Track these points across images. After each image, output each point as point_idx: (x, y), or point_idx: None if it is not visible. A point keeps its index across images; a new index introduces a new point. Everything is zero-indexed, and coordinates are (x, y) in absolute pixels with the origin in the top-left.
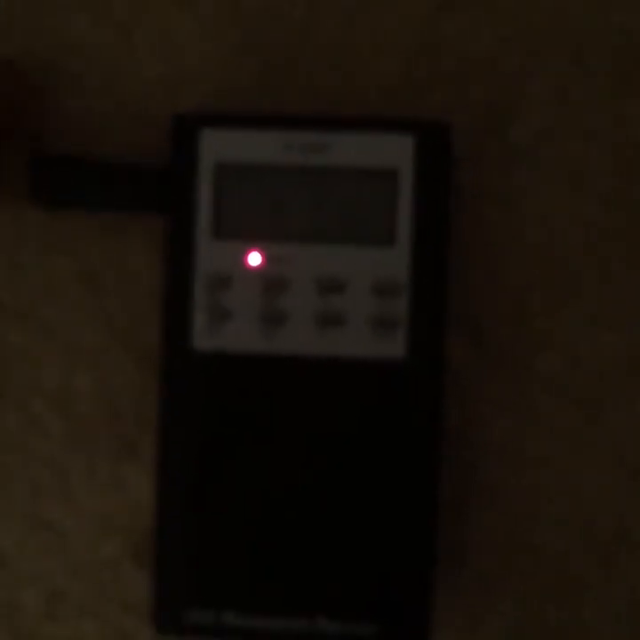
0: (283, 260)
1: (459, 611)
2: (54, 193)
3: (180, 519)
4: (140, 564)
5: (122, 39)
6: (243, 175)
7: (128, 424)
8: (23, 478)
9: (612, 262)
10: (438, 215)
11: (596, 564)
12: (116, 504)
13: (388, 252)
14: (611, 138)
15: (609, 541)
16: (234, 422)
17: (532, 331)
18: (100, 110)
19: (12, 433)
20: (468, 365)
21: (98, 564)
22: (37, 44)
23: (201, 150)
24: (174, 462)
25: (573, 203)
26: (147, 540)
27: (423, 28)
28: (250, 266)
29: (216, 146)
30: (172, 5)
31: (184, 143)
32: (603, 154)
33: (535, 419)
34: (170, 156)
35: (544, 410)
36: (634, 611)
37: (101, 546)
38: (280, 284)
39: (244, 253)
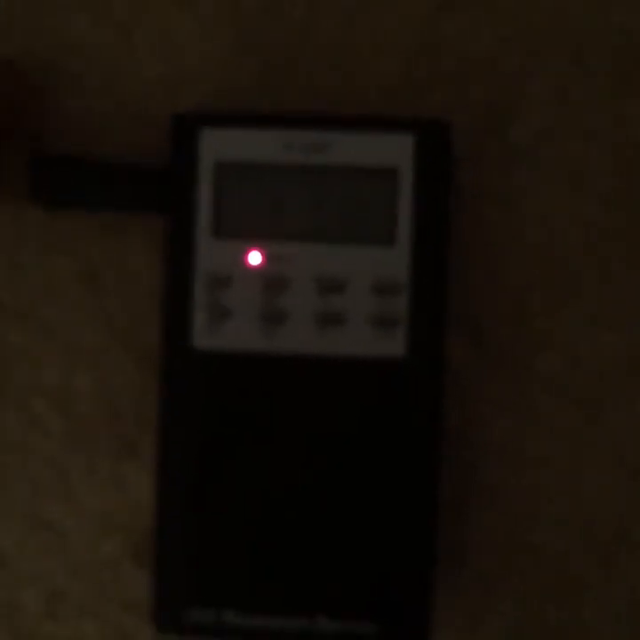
0: (283, 259)
1: (459, 611)
2: (54, 193)
3: (180, 518)
4: (140, 564)
5: (122, 39)
6: (243, 174)
7: (128, 424)
8: (23, 478)
9: (612, 262)
10: (438, 214)
11: (595, 563)
12: (116, 503)
13: (388, 252)
14: (611, 138)
15: (609, 541)
16: (234, 421)
17: (532, 331)
18: (99, 110)
19: (12, 433)
20: (467, 365)
21: (98, 564)
22: (37, 44)
23: (201, 150)
24: (174, 461)
25: (573, 203)
26: (147, 539)
27: (423, 28)
28: (250, 265)
29: (216, 145)
30: (172, 5)
31: (184, 143)
32: (603, 154)
33: (535, 419)
34: (170, 155)
35: (544, 410)
36: (634, 611)
37: (101, 545)
38: (280, 284)
39: (244, 252)
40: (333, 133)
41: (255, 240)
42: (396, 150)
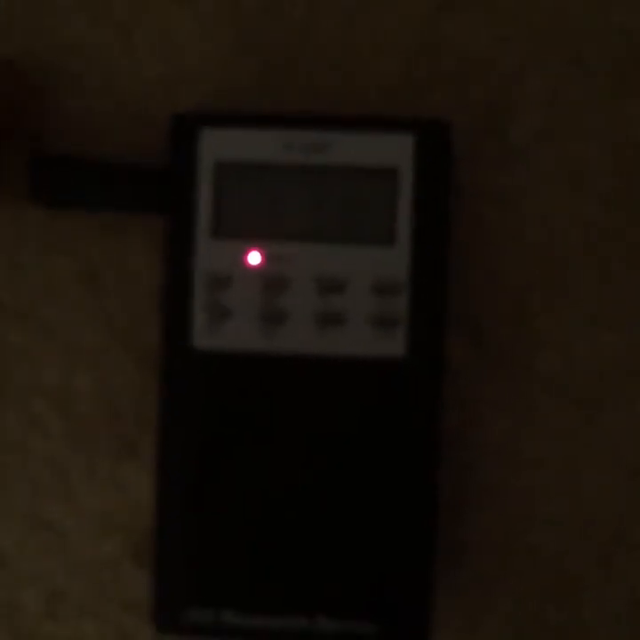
0: (282, 259)
1: (458, 611)
2: (54, 193)
3: (180, 518)
4: (139, 564)
5: (122, 39)
6: (242, 174)
7: (128, 424)
8: (23, 478)
9: (612, 262)
10: (438, 214)
11: (594, 564)
12: (116, 503)
13: (387, 251)
14: (610, 138)
15: (607, 542)
16: (234, 421)
17: (532, 330)
18: (99, 110)
19: (12, 433)
20: (467, 365)
21: (98, 564)
22: (37, 44)
23: (200, 150)
24: (174, 461)
25: (572, 202)
26: (147, 539)
27: (423, 29)
28: (250, 265)
29: (216, 145)
30: (172, 5)
31: (183, 143)
32: (602, 154)
33: (534, 419)
34: (169, 155)
35: (543, 410)
36: (632, 611)
37: (101, 545)
38: (280, 284)
39: (244, 252)
40: (333, 133)
41: (255, 240)
42: (396, 150)
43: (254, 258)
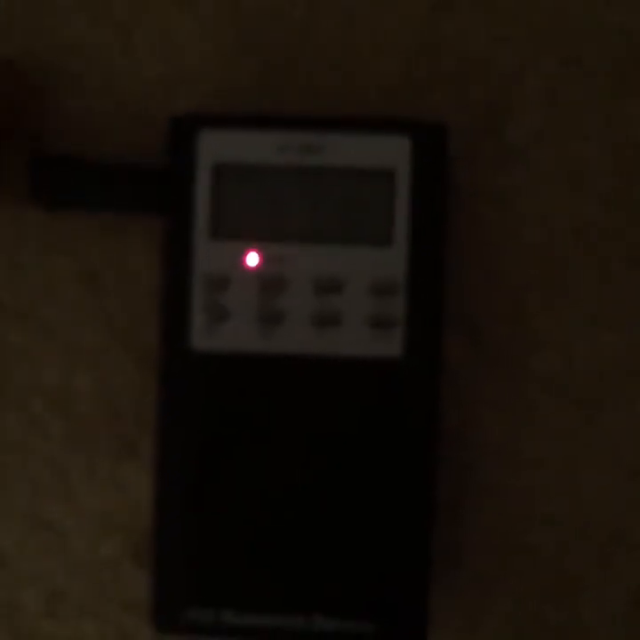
0: (280, 260)
1: (456, 611)
2: (54, 193)
3: (179, 519)
4: (139, 564)
5: (122, 39)
6: (240, 176)
7: (128, 424)
8: (23, 478)
9: (612, 262)
10: (435, 215)
11: (593, 564)
12: (115, 504)
13: (385, 252)
14: (609, 138)
15: (606, 542)
16: (232, 422)
17: (530, 330)
18: (99, 110)
19: (12, 433)
20: (465, 365)
21: (98, 564)
22: (37, 44)
23: (198, 152)
24: (173, 462)
25: (572, 202)
26: (146, 539)
27: (423, 29)
28: (248, 266)
29: (213, 147)
30: (172, 5)
31: (181, 144)
32: (601, 154)
33: (532, 419)
34: (167, 157)
35: (542, 410)
36: (632, 611)
37: (101, 545)
38: (278, 284)
39: (242, 254)
40: (330, 135)
41: (253, 241)
42: (393, 152)
43: (252, 259)
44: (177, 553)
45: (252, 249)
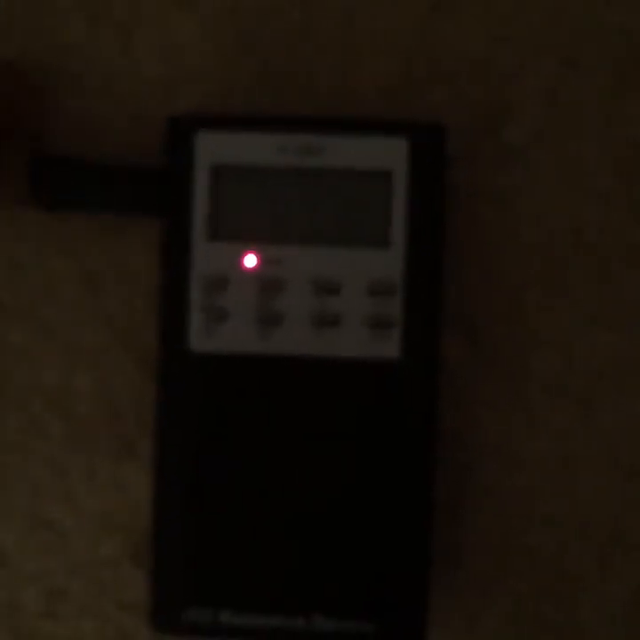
0: (278, 261)
1: (454, 612)
2: (54, 193)
3: (178, 519)
4: (139, 564)
5: (122, 39)
6: (238, 177)
7: (128, 424)
8: (23, 478)
9: (612, 262)
10: (432, 217)
11: (592, 564)
12: (115, 504)
13: (382, 254)
14: (609, 138)
15: (604, 542)
16: (231, 423)
17: (529, 330)
18: (99, 110)
19: (12, 433)
20: (463, 365)
21: (98, 564)
22: (37, 44)
23: (196, 153)
24: (172, 463)
25: (570, 202)
26: (146, 539)
27: (422, 29)
28: (246, 267)
29: (211, 148)
30: (172, 5)
31: (179, 145)
32: (601, 154)
33: (531, 419)
34: (165, 158)
35: (540, 410)
36: (630, 611)
37: (101, 545)
38: (276, 286)
39: (240, 255)
40: (328, 136)
41: (251, 242)
42: (391, 153)
43: (250, 260)
44: (176, 553)
45: (251, 250)
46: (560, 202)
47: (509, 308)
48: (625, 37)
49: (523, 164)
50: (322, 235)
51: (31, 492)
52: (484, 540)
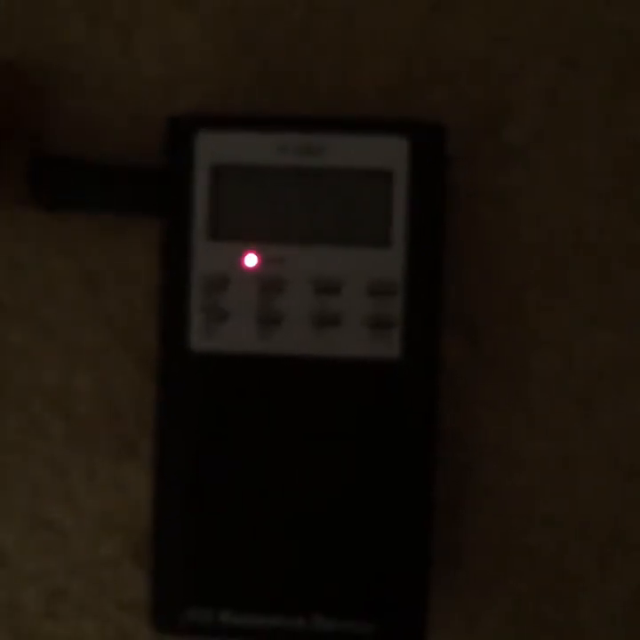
0: (279, 261)
1: (456, 611)
2: (54, 193)
3: (178, 519)
4: (139, 564)
5: (122, 39)
6: (239, 177)
7: (128, 424)
8: (23, 478)
9: (612, 262)
10: (433, 216)
11: (592, 564)
12: (115, 504)
13: (383, 253)
14: (609, 138)
15: (604, 542)
16: (231, 422)
17: (529, 330)
18: (99, 110)
19: (12, 433)
20: (463, 365)
21: (98, 564)
22: (37, 44)
23: (197, 153)
24: (172, 462)
25: (570, 202)
26: (146, 539)
27: (422, 29)
28: (246, 267)
29: (212, 148)
30: (172, 5)
31: (179, 145)
32: (600, 154)
33: (531, 419)
34: (165, 158)
35: (540, 410)
36: (631, 611)
37: (101, 545)
38: (276, 285)
39: (241, 255)
40: (329, 136)
41: (251, 242)
42: (391, 153)
43: (251, 260)
44: (176, 553)
45: (251, 250)
46: (560, 202)
47: (509, 308)
48: (625, 37)
49: (523, 164)
50: (322, 234)
51: (31, 492)
52: (484, 540)
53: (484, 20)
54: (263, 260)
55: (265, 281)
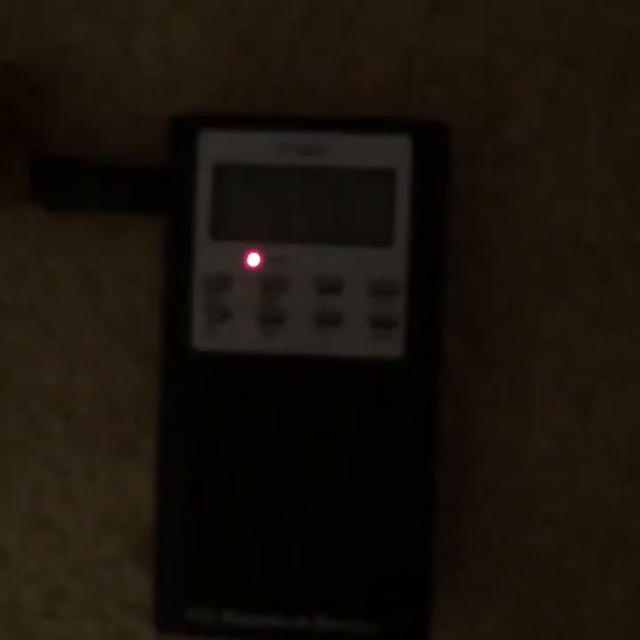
0: (281, 260)
1: (456, 611)
2: (54, 193)
3: (180, 519)
4: (140, 564)
5: (122, 39)
6: (241, 176)
7: (128, 424)
8: (23, 478)
9: (612, 262)
10: (435, 215)
11: (592, 564)
12: (116, 503)
13: (385, 253)
14: (609, 138)
15: (605, 542)
16: (233, 422)
17: (529, 330)
18: (99, 111)
19: (12, 433)
20: (463, 365)
21: (98, 564)
22: (37, 44)
23: (199, 152)
24: (174, 462)
25: (570, 202)
26: (147, 539)
27: (422, 29)
28: (249, 266)
29: (214, 147)
30: (172, 5)
31: (182, 145)
32: (600, 154)
33: (532, 419)
34: (168, 158)
35: (540, 410)
36: (631, 610)
37: (102, 545)
38: (279, 285)
39: (243, 254)
40: (330, 135)
41: (254, 242)
42: (394, 152)
43: (253, 259)
44: (178, 553)
45: (253, 249)
46: (560, 202)
47: (509, 308)
48: (625, 37)
49: (523, 164)
50: (324, 234)
51: (31, 492)
52: (484, 540)
53: (484, 19)
54: (265, 260)
55: (267, 280)
